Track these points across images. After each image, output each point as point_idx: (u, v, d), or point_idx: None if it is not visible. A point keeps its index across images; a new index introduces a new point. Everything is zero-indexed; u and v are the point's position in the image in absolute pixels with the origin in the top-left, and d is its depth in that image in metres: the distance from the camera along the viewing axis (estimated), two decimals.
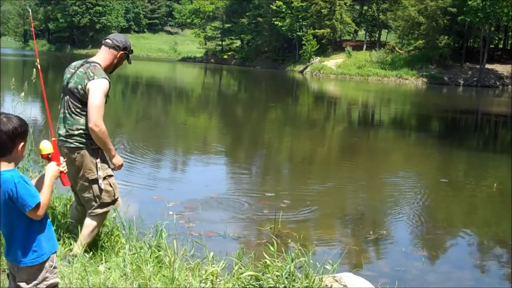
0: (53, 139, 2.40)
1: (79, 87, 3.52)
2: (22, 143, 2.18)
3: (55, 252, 2.34)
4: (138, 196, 6.05)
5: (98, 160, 3.57)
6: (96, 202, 3.61)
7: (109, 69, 3.76)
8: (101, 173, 3.56)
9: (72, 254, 3.56)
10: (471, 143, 13.88)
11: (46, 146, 2.33)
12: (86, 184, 3.57)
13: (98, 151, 3.58)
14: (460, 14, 40.20)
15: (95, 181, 3.57)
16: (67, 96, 3.59)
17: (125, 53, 3.77)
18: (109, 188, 3.62)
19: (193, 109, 19.21)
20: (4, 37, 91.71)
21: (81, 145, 3.53)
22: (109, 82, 3.60)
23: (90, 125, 3.45)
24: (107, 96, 3.60)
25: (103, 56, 3.71)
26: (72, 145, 3.53)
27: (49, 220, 2.34)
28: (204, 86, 32.74)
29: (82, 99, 3.52)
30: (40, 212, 2.17)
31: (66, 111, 3.58)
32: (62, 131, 3.57)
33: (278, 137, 13.14)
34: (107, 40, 3.75)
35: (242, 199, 6.57)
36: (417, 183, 8.54)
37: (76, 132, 3.54)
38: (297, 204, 6.43)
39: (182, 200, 6.17)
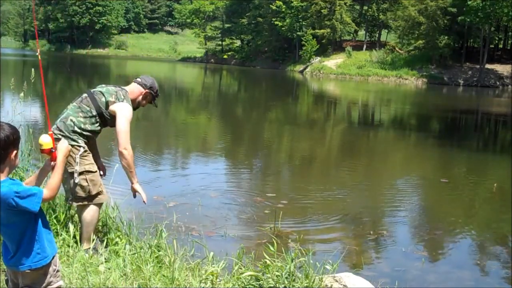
0: (50, 132, 2.37)
1: (104, 96, 3.75)
2: (15, 151, 2.14)
3: (56, 255, 2.33)
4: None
5: (78, 156, 3.66)
6: (72, 194, 3.72)
7: (133, 104, 3.95)
8: (77, 168, 3.66)
9: (84, 249, 3.69)
10: (471, 143, 13.88)
11: (46, 140, 2.29)
12: (65, 175, 3.64)
13: (79, 148, 3.68)
14: (460, 14, 40.18)
15: (72, 174, 3.67)
16: (85, 94, 3.81)
17: (151, 93, 4.02)
18: (84, 184, 3.69)
19: (193, 109, 19.21)
20: (4, 37, 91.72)
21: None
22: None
23: (120, 149, 3.68)
24: None
25: (131, 88, 4.00)
26: (56, 136, 3.58)
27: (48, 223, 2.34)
28: (204, 86, 32.75)
29: (96, 104, 3.72)
30: (53, 193, 2.21)
31: (75, 104, 3.78)
32: (58, 120, 3.76)
33: (278, 137, 13.14)
34: (137, 78, 4.07)
35: (242, 199, 6.57)
36: (417, 183, 8.54)
37: (67, 122, 3.69)
38: (297, 204, 6.43)
39: (182, 200, 6.17)
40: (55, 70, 35.09)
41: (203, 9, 68.21)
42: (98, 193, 3.79)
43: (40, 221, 2.22)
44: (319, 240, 5.21)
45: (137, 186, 3.88)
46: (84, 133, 3.74)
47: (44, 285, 2.24)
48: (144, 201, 3.92)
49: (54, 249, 2.30)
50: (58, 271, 2.32)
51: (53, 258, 2.28)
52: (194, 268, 3.55)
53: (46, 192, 2.17)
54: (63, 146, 2.33)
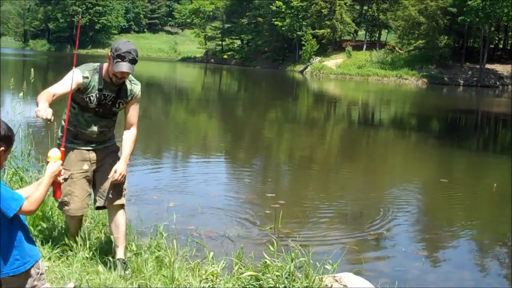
0: (62, 149, 2.37)
1: None
2: (3, 148, 2.05)
3: (39, 260, 2.24)
4: (138, 196, 6.05)
5: None
6: None
7: (107, 75, 3.40)
8: None
9: None
10: (471, 143, 13.89)
11: (54, 154, 2.29)
12: None
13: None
14: (460, 14, 40.20)
15: None
16: None
17: (112, 55, 3.29)
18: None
19: (193, 108, 19.21)
20: (4, 37, 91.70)
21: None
22: (85, 77, 3.33)
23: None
24: (83, 93, 3.35)
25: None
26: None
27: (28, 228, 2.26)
28: (204, 86, 32.74)
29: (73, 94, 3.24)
30: (33, 207, 2.10)
31: None
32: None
33: (278, 138, 13.14)
34: None
35: (242, 199, 6.57)
36: (417, 183, 8.54)
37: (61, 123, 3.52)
38: (297, 204, 6.43)
39: (182, 200, 6.16)
40: (55, 71, 35.08)
41: (203, 9, 68.21)
42: (63, 203, 3.43)
43: (19, 226, 2.13)
44: (319, 240, 5.21)
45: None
46: (69, 127, 3.40)
47: None
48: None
49: (36, 254, 2.23)
50: (42, 274, 2.25)
51: (35, 263, 2.20)
52: (194, 268, 3.55)
53: (25, 203, 2.07)
54: (53, 165, 2.27)
